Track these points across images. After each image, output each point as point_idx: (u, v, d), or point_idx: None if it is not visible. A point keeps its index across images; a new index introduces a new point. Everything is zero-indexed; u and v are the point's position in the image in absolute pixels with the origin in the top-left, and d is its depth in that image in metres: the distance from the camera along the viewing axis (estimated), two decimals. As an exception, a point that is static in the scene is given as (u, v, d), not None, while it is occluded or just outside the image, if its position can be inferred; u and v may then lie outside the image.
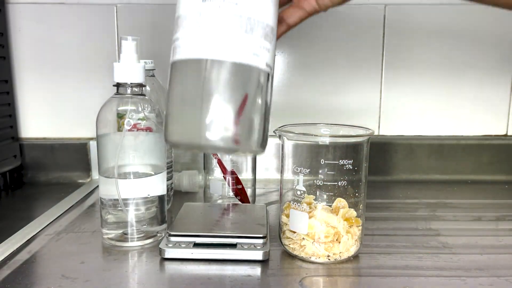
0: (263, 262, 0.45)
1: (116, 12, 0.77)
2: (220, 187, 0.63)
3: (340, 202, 0.47)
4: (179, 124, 0.39)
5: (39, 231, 0.54)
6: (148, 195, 0.50)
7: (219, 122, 0.37)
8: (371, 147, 0.48)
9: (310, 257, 0.46)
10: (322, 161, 0.45)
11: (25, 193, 0.74)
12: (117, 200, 0.48)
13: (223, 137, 0.37)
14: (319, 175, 0.45)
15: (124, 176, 0.49)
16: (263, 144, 0.40)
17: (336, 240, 0.45)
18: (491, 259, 0.48)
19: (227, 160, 0.62)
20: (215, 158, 0.62)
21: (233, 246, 0.46)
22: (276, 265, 0.45)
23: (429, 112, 0.82)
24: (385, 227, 0.57)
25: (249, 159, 0.64)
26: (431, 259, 0.47)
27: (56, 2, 0.77)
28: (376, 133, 0.82)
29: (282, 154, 0.48)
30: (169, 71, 0.41)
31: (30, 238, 0.52)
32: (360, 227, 0.47)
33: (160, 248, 0.46)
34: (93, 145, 0.79)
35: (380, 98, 0.82)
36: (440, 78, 0.81)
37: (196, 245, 0.46)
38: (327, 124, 0.50)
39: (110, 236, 0.50)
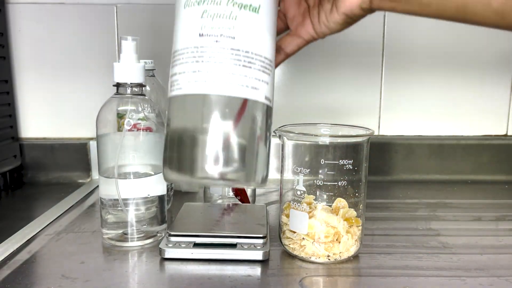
0: (263, 262, 0.45)
1: (116, 12, 0.77)
2: (220, 187, 0.63)
3: (340, 202, 0.47)
4: (179, 161, 0.39)
5: (39, 231, 0.54)
6: (148, 195, 0.50)
7: (219, 157, 0.37)
8: (371, 147, 0.48)
9: (310, 257, 0.46)
10: (322, 161, 0.45)
11: (25, 193, 0.74)
12: (117, 200, 0.48)
13: (223, 172, 0.37)
14: (319, 175, 0.45)
15: (124, 176, 0.49)
16: (264, 178, 0.40)
17: (336, 240, 0.45)
18: (491, 259, 0.48)
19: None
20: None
21: (233, 246, 0.46)
22: (276, 265, 0.45)
23: (429, 112, 0.82)
24: (385, 227, 0.57)
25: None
26: (431, 259, 0.47)
27: (56, 2, 0.77)
28: (376, 133, 0.82)
29: (282, 154, 0.48)
30: (168, 106, 0.41)
31: (30, 238, 0.52)
32: (360, 227, 0.47)
33: (160, 248, 0.46)
34: (93, 145, 0.79)
35: (380, 98, 0.82)
36: (440, 78, 0.81)
37: (196, 245, 0.46)
38: (327, 124, 0.49)
39: (110, 236, 0.50)
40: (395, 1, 0.38)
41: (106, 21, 0.78)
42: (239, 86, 0.38)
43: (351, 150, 0.46)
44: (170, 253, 0.46)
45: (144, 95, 0.50)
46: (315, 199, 0.46)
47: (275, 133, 0.47)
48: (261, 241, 0.47)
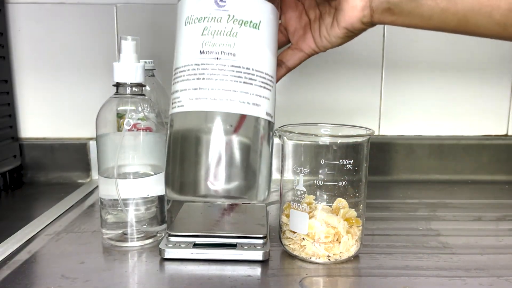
0: (263, 262, 0.45)
1: (116, 11, 0.77)
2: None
3: (340, 202, 0.47)
4: (181, 179, 0.39)
5: (39, 231, 0.54)
6: (148, 195, 0.49)
7: (220, 175, 0.37)
8: (372, 147, 0.47)
9: (310, 257, 0.45)
10: (322, 161, 0.45)
11: (25, 193, 0.74)
12: (117, 200, 0.48)
13: (225, 190, 0.37)
14: (319, 175, 0.45)
15: (123, 176, 0.49)
16: (266, 194, 0.40)
17: (336, 240, 0.45)
18: (491, 259, 0.48)
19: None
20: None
21: (233, 246, 0.46)
22: (276, 265, 0.45)
23: (429, 112, 0.82)
24: (385, 227, 0.57)
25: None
26: (431, 259, 0.47)
27: (56, 2, 0.77)
28: (376, 133, 0.82)
29: (282, 154, 0.48)
30: (169, 122, 0.41)
31: (30, 238, 0.52)
32: (360, 227, 0.47)
33: (160, 248, 0.46)
34: (93, 145, 0.79)
35: (380, 98, 0.82)
36: (440, 77, 0.81)
37: (196, 245, 0.46)
38: (328, 124, 0.49)
39: (110, 236, 0.50)
40: (396, 14, 0.38)
41: (106, 20, 0.77)
42: (240, 103, 0.38)
43: (351, 150, 0.45)
44: (170, 253, 0.46)
45: (144, 95, 0.50)
46: (315, 199, 0.46)
47: (275, 133, 0.47)
48: (261, 241, 0.47)
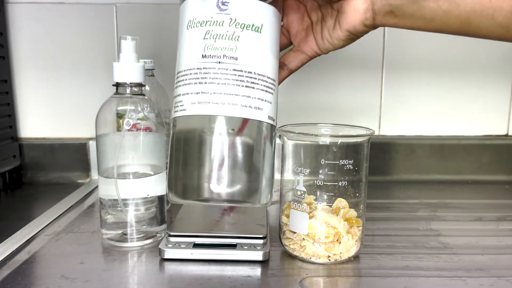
0: (263, 263, 0.45)
1: (116, 11, 0.77)
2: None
3: (341, 202, 0.47)
4: (184, 182, 0.39)
5: (39, 231, 0.54)
6: (148, 195, 0.49)
7: (223, 179, 0.37)
8: (372, 147, 0.47)
9: (310, 258, 0.45)
10: (323, 161, 0.45)
11: (25, 193, 0.74)
12: (117, 200, 0.48)
13: (228, 194, 0.37)
14: (320, 175, 0.45)
15: (123, 176, 0.49)
16: (269, 198, 0.40)
17: (337, 240, 0.45)
18: (492, 259, 0.47)
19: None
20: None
21: (233, 246, 0.46)
22: (276, 265, 0.45)
23: (429, 112, 0.82)
24: (386, 227, 0.57)
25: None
26: (432, 260, 0.47)
27: (55, 2, 0.77)
28: (376, 133, 0.82)
29: (282, 154, 0.48)
30: (171, 126, 0.41)
31: (30, 238, 0.52)
32: (361, 228, 0.47)
33: (159, 249, 0.46)
34: (92, 145, 0.79)
35: (381, 98, 0.82)
36: (440, 77, 0.81)
37: (196, 245, 0.46)
38: (328, 124, 0.49)
39: (109, 236, 0.50)
40: (398, 17, 0.38)
41: (105, 20, 0.77)
42: (242, 107, 0.38)
43: (351, 150, 0.45)
44: (169, 253, 0.45)
45: (143, 95, 0.50)
46: (315, 199, 0.46)
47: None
48: (261, 241, 0.47)
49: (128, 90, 0.48)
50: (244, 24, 0.38)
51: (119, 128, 0.48)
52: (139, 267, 0.45)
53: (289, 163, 0.47)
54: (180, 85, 0.39)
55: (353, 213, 0.47)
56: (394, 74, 0.81)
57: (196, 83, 0.38)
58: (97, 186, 0.70)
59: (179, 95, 0.40)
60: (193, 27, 0.39)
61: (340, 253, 0.45)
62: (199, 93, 0.38)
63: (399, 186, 0.78)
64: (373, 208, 0.64)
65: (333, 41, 0.42)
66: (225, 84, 0.37)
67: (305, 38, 0.44)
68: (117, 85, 0.48)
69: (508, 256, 0.49)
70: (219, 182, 0.37)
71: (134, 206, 0.49)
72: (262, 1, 0.38)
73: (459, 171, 0.81)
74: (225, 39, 0.37)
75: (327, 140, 0.45)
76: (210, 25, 0.38)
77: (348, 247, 0.46)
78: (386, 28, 0.79)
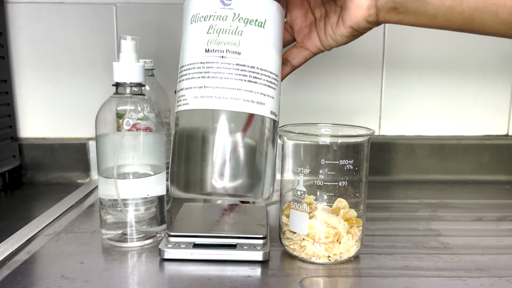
0: (263, 263, 0.45)
1: (116, 11, 0.77)
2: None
3: (341, 202, 0.47)
4: (186, 177, 0.39)
5: (39, 231, 0.54)
6: (148, 195, 0.49)
7: (226, 173, 0.37)
8: (372, 147, 0.47)
9: (310, 258, 0.45)
10: (323, 161, 0.45)
11: (25, 193, 0.74)
12: (117, 200, 0.48)
13: (231, 188, 0.37)
14: (320, 175, 0.45)
15: (123, 176, 0.49)
16: (270, 193, 0.40)
17: (337, 240, 0.45)
18: (492, 259, 0.47)
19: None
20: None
21: (233, 246, 0.46)
22: (276, 265, 0.45)
23: (429, 112, 0.82)
24: (386, 227, 0.57)
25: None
26: (432, 260, 0.47)
27: (55, 2, 0.77)
28: (376, 133, 0.82)
29: (282, 154, 0.48)
30: (174, 120, 0.41)
31: (30, 238, 0.52)
32: (361, 228, 0.47)
33: (159, 249, 0.46)
34: (92, 145, 0.79)
35: (381, 98, 0.82)
36: (441, 77, 0.81)
37: (196, 245, 0.46)
38: (328, 124, 0.49)
39: (109, 236, 0.50)
40: (402, 13, 0.38)
41: (105, 20, 0.77)
42: (244, 101, 0.38)
43: (351, 150, 0.45)
44: (169, 253, 0.45)
45: (143, 94, 0.49)
46: (315, 200, 0.46)
47: (275, 133, 0.47)
48: (261, 241, 0.47)
49: (128, 90, 0.48)
50: (248, 19, 0.38)
51: (119, 128, 0.48)
52: (139, 267, 0.45)
53: (289, 163, 0.47)
54: (183, 80, 0.40)
55: (353, 213, 0.46)
56: (394, 74, 0.81)
57: (199, 77, 0.38)
58: (97, 186, 0.70)
59: (182, 89, 0.40)
60: (197, 21, 0.39)
61: (340, 253, 0.45)
62: (202, 87, 0.38)
63: (399, 186, 0.78)
64: (373, 208, 0.64)
65: (336, 37, 0.42)
66: (228, 78, 0.37)
67: (308, 34, 0.44)
68: (117, 85, 0.48)
69: (508, 256, 0.49)
70: (222, 176, 0.37)
71: (134, 206, 0.49)
72: None
73: (459, 171, 0.81)
74: (228, 33, 0.38)
75: (327, 140, 0.45)
76: (213, 20, 0.38)
77: (348, 247, 0.46)
78: (386, 28, 0.79)
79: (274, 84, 0.40)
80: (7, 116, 0.76)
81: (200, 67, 0.38)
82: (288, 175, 0.47)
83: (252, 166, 0.38)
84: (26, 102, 0.79)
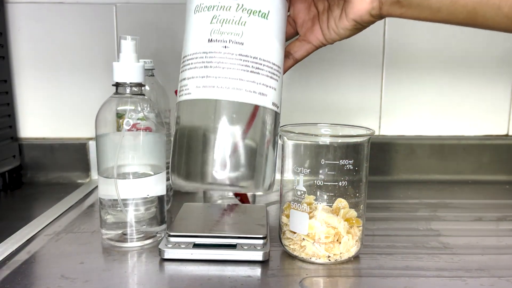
0: (263, 263, 0.45)
1: (116, 11, 0.77)
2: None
3: (341, 202, 0.47)
4: (188, 167, 0.39)
5: (39, 231, 0.54)
6: (148, 195, 0.49)
7: (228, 163, 0.37)
8: (372, 147, 0.47)
9: (310, 258, 0.45)
10: (323, 161, 0.45)
11: (25, 193, 0.74)
12: (117, 200, 0.48)
13: (232, 178, 0.37)
14: (320, 175, 0.45)
15: (123, 176, 0.48)
16: (271, 184, 0.40)
17: (337, 240, 0.45)
18: (492, 259, 0.47)
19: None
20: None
21: (233, 246, 0.46)
22: (276, 265, 0.45)
23: (429, 112, 0.82)
24: (386, 227, 0.57)
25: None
26: (432, 260, 0.47)
27: (55, 2, 0.77)
28: (376, 133, 0.82)
29: (282, 154, 0.48)
30: (176, 110, 0.41)
31: (30, 238, 0.52)
32: (361, 228, 0.47)
33: (159, 249, 0.46)
34: (92, 145, 0.79)
35: (381, 98, 0.82)
36: (441, 77, 0.81)
37: (196, 245, 0.46)
38: (328, 124, 0.49)
39: (109, 236, 0.50)
40: (405, 7, 0.38)
41: (105, 20, 0.77)
42: (247, 92, 0.38)
43: (351, 150, 0.45)
44: (169, 253, 0.45)
45: (143, 94, 0.49)
46: (315, 200, 0.46)
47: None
48: (261, 241, 0.47)
49: (128, 90, 0.48)
50: (251, 10, 0.38)
51: (119, 128, 0.48)
52: (139, 267, 0.45)
53: (289, 163, 0.47)
54: (185, 69, 0.40)
55: (353, 213, 0.46)
56: (394, 74, 0.81)
57: (201, 67, 0.38)
58: (97, 186, 0.70)
59: (184, 79, 0.40)
60: (200, 11, 0.39)
61: (340, 253, 0.45)
62: (204, 77, 0.38)
63: (399, 186, 0.78)
64: (373, 208, 0.64)
65: (339, 31, 0.42)
66: (230, 68, 0.37)
67: (311, 27, 0.44)
68: (117, 85, 0.48)
69: (508, 256, 0.49)
70: (223, 167, 0.37)
71: (134, 206, 0.49)
72: None
73: (459, 171, 0.81)
74: (231, 24, 0.38)
75: (327, 140, 0.45)
76: (217, 10, 0.38)
77: (348, 247, 0.46)
78: (386, 27, 0.79)
79: (277, 75, 0.40)
80: (7, 116, 0.76)
81: (203, 57, 0.38)
82: (288, 175, 0.47)
83: (254, 157, 0.38)
84: (26, 102, 0.79)
